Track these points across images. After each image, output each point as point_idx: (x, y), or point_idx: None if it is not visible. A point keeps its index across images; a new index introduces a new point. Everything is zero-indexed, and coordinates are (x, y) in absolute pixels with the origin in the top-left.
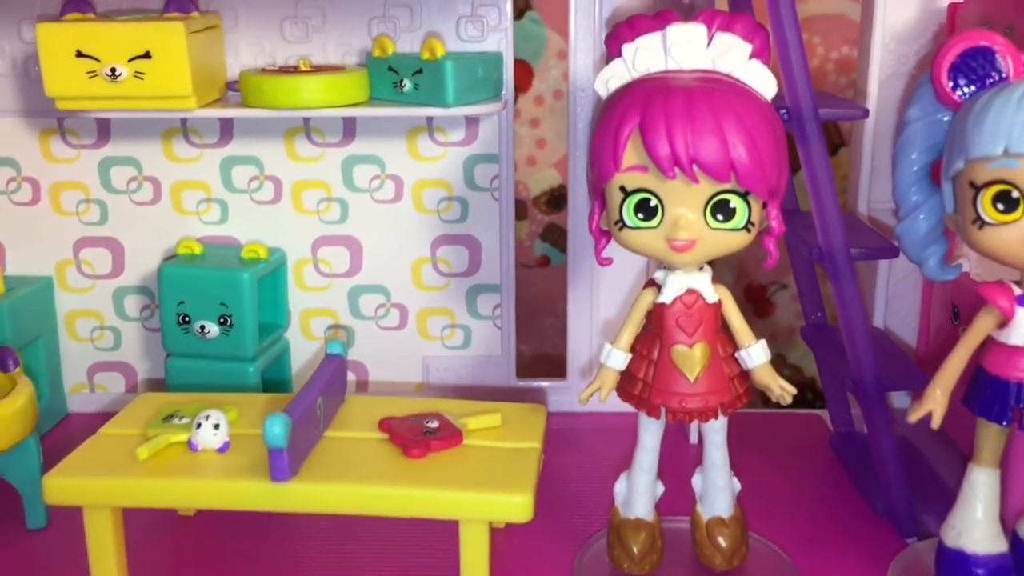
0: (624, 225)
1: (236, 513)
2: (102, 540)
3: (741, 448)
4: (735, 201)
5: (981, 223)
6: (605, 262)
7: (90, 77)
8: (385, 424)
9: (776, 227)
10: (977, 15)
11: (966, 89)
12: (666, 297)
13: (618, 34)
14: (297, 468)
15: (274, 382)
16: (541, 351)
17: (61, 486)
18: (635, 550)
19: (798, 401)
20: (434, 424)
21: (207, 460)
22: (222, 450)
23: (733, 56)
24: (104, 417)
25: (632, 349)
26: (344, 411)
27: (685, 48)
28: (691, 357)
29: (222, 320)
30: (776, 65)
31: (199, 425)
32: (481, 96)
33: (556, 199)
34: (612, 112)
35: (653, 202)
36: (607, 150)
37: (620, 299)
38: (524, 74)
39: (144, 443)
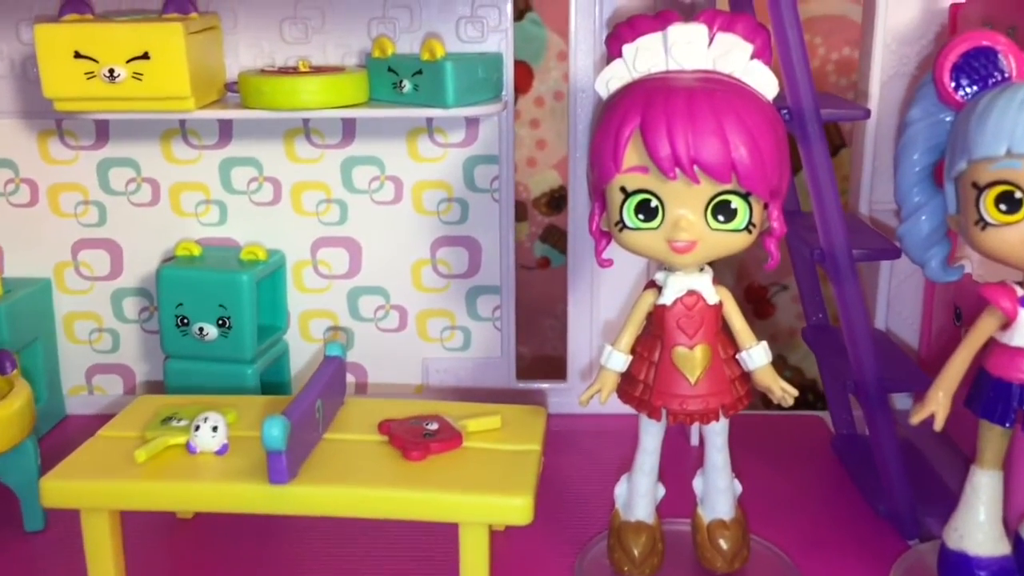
0: (624, 226)
1: (235, 516)
2: (100, 543)
3: (742, 450)
4: (736, 202)
5: (984, 224)
6: (605, 263)
7: (88, 78)
8: (384, 426)
9: (777, 228)
10: (979, 15)
11: (968, 89)
12: (667, 298)
13: (619, 34)
14: (296, 471)
15: (273, 384)
16: (541, 353)
17: (59, 488)
18: (636, 553)
19: (799, 403)
20: (434, 426)
21: (205, 463)
22: (220, 452)
23: (734, 56)
24: (102, 419)
25: (633, 351)
26: (343, 413)
27: (686, 48)
28: (692, 359)
29: (221, 322)
30: (777, 65)
31: (197, 427)
32: (481, 97)
33: (556, 200)
34: (613, 113)
35: (654, 203)
36: (607, 151)
37: (620, 301)
38: (524, 75)
39: (142, 445)
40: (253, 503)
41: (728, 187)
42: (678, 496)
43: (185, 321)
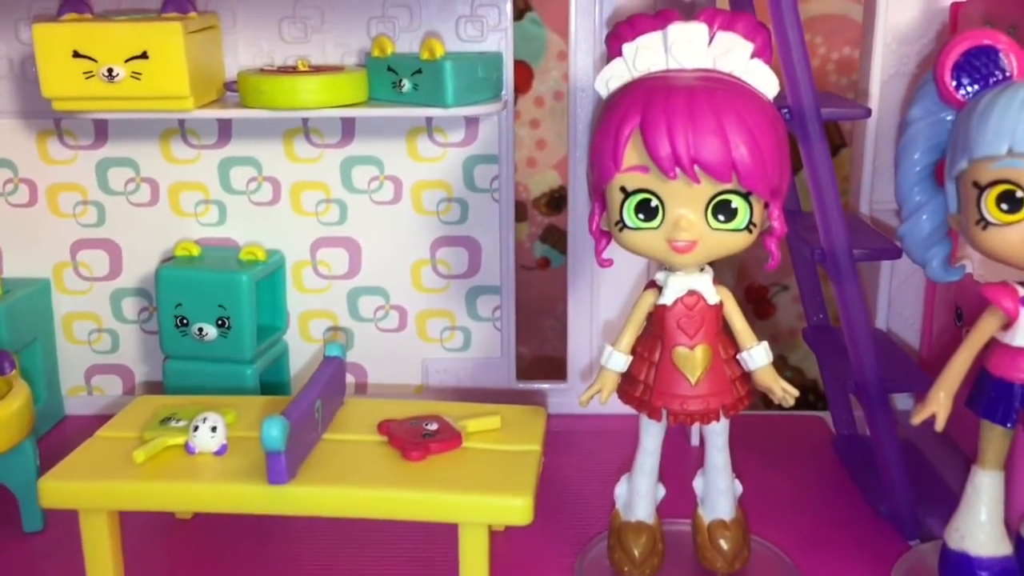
0: (624, 226)
1: (234, 516)
2: (98, 543)
3: (743, 450)
4: (737, 201)
5: (985, 223)
6: (605, 263)
7: (87, 78)
8: (384, 426)
9: (778, 228)
10: (980, 14)
11: (969, 88)
12: (667, 299)
13: (619, 33)
14: (295, 471)
15: (272, 384)
16: (541, 353)
17: (57, 489)
18: (636, 553)
19: (800, 403)
20: (433, 426)
21: (204, 463)
22: (219, 453)
23: (734, 55)
24: (101, 420)
25: (633, 351)
26: (343, 413)
27: (686, 47)
28: (692, 359)
29: (220, 322)
30: (778, 64)
31: (196, 428)
32: (481, 96)
33: (556, 200)
34: (612, 112)
35: (654, 202)
36: (607, 150)
37: (620, 301)
38: (524, 75)
39: (141, 446)
40: (252, 503)
41: (728, 186)
42: (678, 496)
43: (184, 321)
